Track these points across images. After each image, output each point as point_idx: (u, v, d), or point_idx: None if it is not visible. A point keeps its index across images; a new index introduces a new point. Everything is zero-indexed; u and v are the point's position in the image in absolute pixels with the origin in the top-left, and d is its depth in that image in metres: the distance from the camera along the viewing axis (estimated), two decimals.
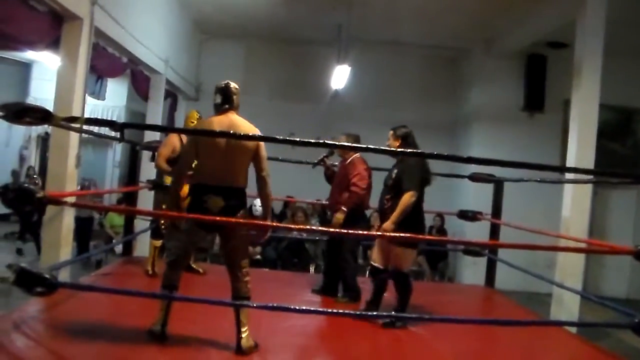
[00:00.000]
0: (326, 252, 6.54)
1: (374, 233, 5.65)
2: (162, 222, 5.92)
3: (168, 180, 5.53)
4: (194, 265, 6.35)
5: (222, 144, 3.90)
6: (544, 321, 6.14)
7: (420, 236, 5.21)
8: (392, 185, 5.07)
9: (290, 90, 12.73)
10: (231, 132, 3.86)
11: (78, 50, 6.01)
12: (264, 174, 4.09)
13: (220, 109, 4.09)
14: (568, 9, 7.84)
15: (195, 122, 5.94)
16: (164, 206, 5.57)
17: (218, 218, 3.79)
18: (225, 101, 4.08)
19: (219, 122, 3.99)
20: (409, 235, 4.63)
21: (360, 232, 5.02)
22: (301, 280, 6.82)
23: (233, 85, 4.13)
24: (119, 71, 8.63)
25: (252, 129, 4.02)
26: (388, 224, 4.91)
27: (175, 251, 4.09)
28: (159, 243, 6.20)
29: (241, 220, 3.98)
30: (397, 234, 4.82)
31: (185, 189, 4.65)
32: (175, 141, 5.82)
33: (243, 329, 3.93)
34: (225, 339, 4.02)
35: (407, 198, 4.85)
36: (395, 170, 5.11)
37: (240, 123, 4.02)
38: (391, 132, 5.21)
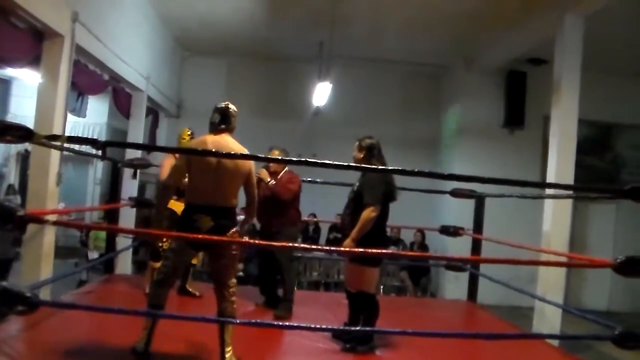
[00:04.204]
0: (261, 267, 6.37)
1: (335, 249, 5.48)
2: (161, 243, 5.76)
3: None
4: (189, 289, 6.23)
5: (214, 163, 3.88)
6: (526, 334, 6.18)
7: (404, 252, 5.14)
8: (353, 199, 4.75)
9: (272, 107, 12.76)
10: (223, 152, 3.84)
11: (59, 68, 5.99)
12: (256, 200, 4.24)
13: (216, 128, 4.08)
14: (547, 26, 7.95)
15: (187, 138, 5.90)
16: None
17: (208, 237, 3.78)
18: (223, 122, 4.08)
19: (213, 142, 3.97)
20: (390, 252, 4.56)
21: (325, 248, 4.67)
22: None
23: (233, 107, 4.15)
24: (100, 88, 8.59)
25: (243, 152, 4.02)
26: (347, 241, 4.57)
27: (163, 269, 4.00)
28: (157, 264, 6.08)
29: (227, 239, 3.90)
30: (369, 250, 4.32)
31: (180, 208, 4.54)
32: (172, 161, 5.67)
33: (227, 349, 3.88)
34: (209, 358, 3.97)
35: (367, 213, 4.49)
36: (357, 184, 4.80)
37: (232, 145, 4.01)
38: (357, 142, 4.86)
